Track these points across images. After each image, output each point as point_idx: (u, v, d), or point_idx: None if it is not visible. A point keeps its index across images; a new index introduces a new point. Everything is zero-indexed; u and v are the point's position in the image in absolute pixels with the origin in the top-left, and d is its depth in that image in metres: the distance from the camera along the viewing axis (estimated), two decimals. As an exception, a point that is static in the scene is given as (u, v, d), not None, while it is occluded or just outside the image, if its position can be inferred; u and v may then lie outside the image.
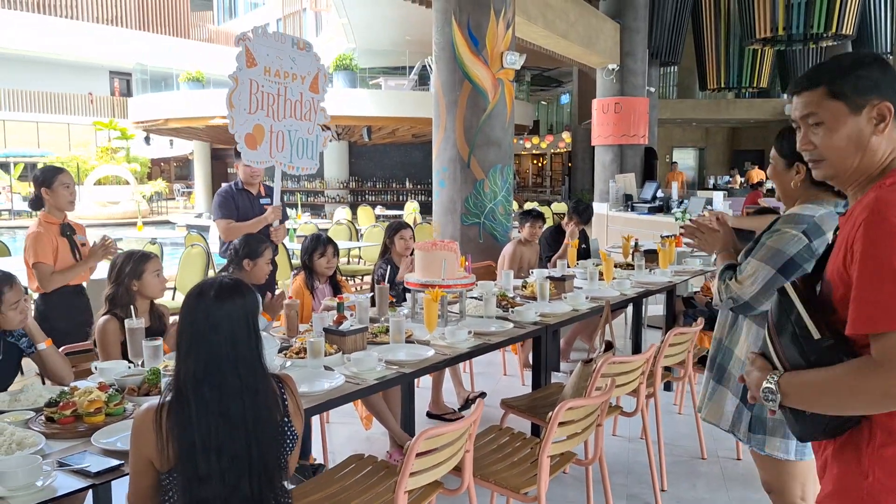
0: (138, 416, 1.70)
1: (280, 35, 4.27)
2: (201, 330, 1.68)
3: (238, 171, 4.45)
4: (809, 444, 2.12)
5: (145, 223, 12.15)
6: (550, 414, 2.44)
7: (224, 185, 4.66)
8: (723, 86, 18.63)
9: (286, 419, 1.81)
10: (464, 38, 6.25)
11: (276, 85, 4.20)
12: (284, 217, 4.62)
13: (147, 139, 23.97)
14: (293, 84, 4.29)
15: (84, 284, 3.98)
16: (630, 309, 5.52)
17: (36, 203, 3.76)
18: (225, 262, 4.22)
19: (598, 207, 10.79)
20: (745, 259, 2.18)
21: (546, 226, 5.75)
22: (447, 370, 4.27)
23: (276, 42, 4.19)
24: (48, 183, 3.70)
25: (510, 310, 3.69)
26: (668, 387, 4.75)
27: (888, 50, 15.33)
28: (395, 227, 4.49)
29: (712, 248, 2.39)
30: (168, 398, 1.69)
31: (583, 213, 5.58)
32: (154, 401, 1.72)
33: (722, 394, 2.30)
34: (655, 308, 6.44)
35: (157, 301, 3.16)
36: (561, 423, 2.49)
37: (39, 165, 23.01)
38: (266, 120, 4.17)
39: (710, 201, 9.92)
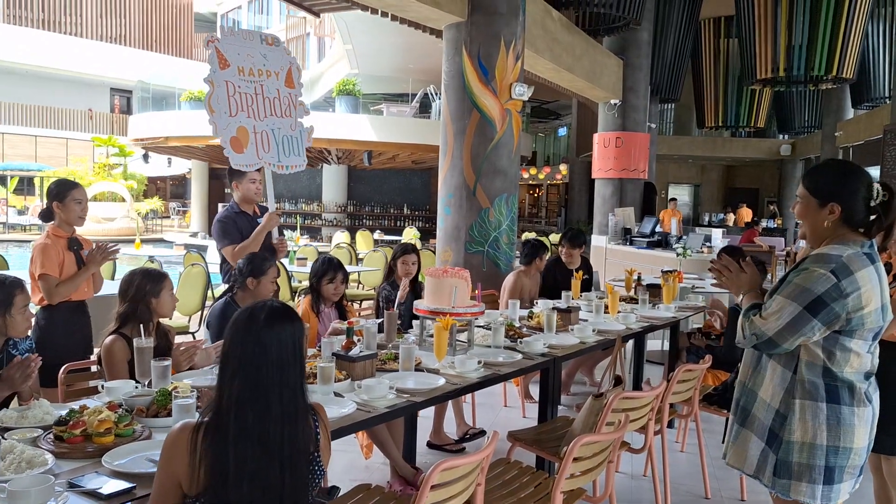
0: (172, 433, 1.66)
1: (248, 32, 4.19)
2: (250, 353, 1.66)
3: (235, 191, 4.31)
4: (837, 487, 2.10)
5: (141, 241, 12.10)
6: (565, 449, 2.41)
7: (221, 210, 4.54)
8: (720, 124, 18.87)
9: (316, 453, 1.77)
10: (474, 67, 6.30)
11: (252, 84, 4.10)
12: (279, 232, 4.52)
13: (145, 157, 23.96)
14: (268, 81, 4.19)
15: (86, 301, 3.94)
16: (631, 344, 5.51)
17: (47, 215, 3.74)
18: (223, 283, 4.17)
19: (597, 240, 10.81)
20: (771, 298, 2.17)
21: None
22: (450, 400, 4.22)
23: (244, 40, 4.10)
24: (61, 197, 3.69)
25: (518, 340, 3.66)
26: (670, 424, 4.71)
27: (886, 94, 15.55)
28: (402, 251, 4.46)
29: (739, 288, 2.37)
30: (206, 418, 1.65)
31: (572, 238, 5.63)
32: (187, 419, 1.70)
33: (746, 437, 2.26)
34: (653, 343, 6.42)
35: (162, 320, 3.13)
36: (574, 459, 2.45)
37: (35, 180, 22.94)
38: (248, 121, 4.08)
39: (709, 238, 9.96)
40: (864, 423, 2.13)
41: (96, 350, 3.19)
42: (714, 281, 2.46)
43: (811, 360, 2.12)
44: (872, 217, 2.13)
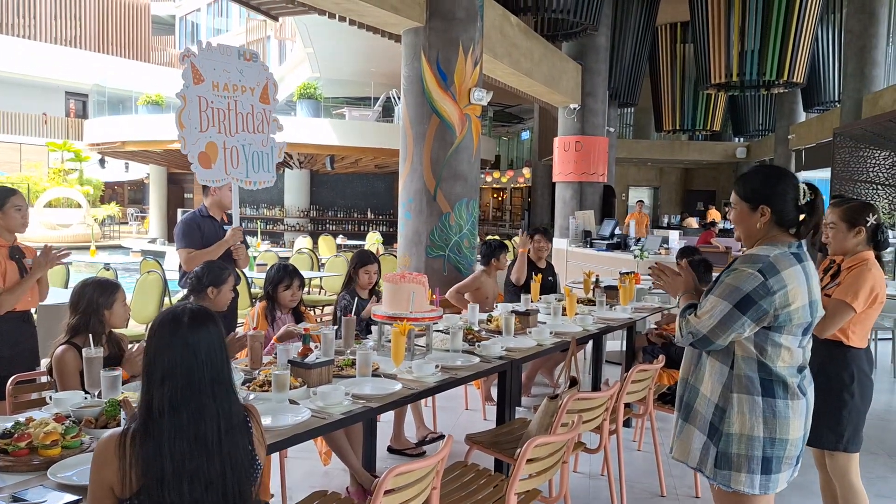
0: (101, 442, 1.67)
1: (225, 47, 4.20)
2: (179, 356, 1.69)
3: (210, 196, 4.33)
4: (774, 477, 2.18)
5: (97, 247, 11.85)
6: (519, 451, 2.44)
7: (188, 212, 4.56)
8: (677, 128, 19.22)
9: (251, 447, 1.80)
10: (433, 73, 6.33)
11: (225, 99, 4.13)
12: (244, 242, 4.53)
13: (102, 162, 23.50)
14: (243, 97, 4.23)
15: (33, 311, 3.85)
16: (590, 345, 5.58)
17: None
18: (181, 290, 4.12)
19: (558, 243, 10.92)
20: (705, 298, 2.25)
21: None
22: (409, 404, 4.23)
23: (221, 55, 4.13)
24: (3, 203, 3.60)
25: (476, 344, 3.69)
26: (626, 423, 4.79)
27: (836, 98, 16.00)
28: (362, 260, 4.38)
29: (676, 290, 2.47)
30: (133, 425, 1.66)
31: (546, 231, 5.77)
32: (117, 429, 1.69)
33: (689, 431, 2.32)
34: (612, 343, 6.51)
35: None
36: (528, 460, 2.48)
37: (-12, 185, 22.42)
38: (218, 136, 4.11)
39: (666, 240, 10.14)
40: (798, 416, 2.21)
41: (44, 361, 3.12)
42: (656, 282, 2.54)
43: (746, 356, 2.21)
44: (802, 217, 2.23)
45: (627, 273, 5.73)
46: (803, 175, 19.80)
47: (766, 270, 2.13)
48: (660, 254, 9.56)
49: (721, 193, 27.04)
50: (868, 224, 2.92)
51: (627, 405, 3.81)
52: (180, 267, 4.31)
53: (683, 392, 2.38)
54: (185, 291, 3.96)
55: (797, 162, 18.78)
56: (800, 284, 2.15)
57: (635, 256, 8.61)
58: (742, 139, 23.88)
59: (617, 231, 11.18)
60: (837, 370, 2.91)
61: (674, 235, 10.40)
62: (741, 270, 2.16)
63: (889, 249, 6.23)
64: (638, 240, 10.28)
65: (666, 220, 24.82)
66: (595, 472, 4.10)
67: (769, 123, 21.07)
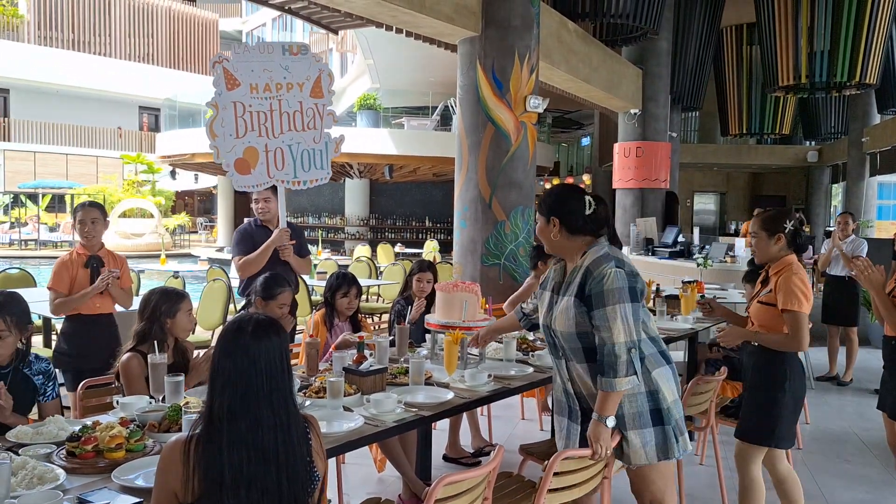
0: (166, 449, 1.71)
1: (267, 45, 4.01)
2: (240, 364, 1.72)
3: (255, 205, 4.30)
4: (686, 435, 2.60)
5: (168, 256, 12.29)
6: (546, 463, 2.40)
7: (244, 221, 4.62)
8: (744, 132, 18.65)
9: (310, 458, 1.82)
10: (488, 81, 6.34)
11: (267, 100, 3.96)
12: (303, 249, 4.46)
13: (173, 173, 24.38)
14: (289, 94, 4.02)
15: (114, 314, 4.06)
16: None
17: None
18: (238, 296, 4.24)
19: (619, 251, 10.73)
20: (595, 318, 2.43)
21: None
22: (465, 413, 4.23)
23: (261, 55, 3.96)
24: (74, 216, 3.89)
25: (530, 353, 3.66)
26: (689, 436, 4.66)
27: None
28: (418, 268, 4.45)
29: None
30: (198, 430, 1.70)
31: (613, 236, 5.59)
32: (182, 434, 1.74)
33: (641, 434, 2.52)
34: (675, 354, 6.35)
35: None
36: (561, 473, 2.43)
37: (67, 197, 23.44)
38: (259, 140, 3.96)
39: (732, 247, 9.85)
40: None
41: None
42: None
43: (643, 338, 2.51)
44: (592, 224, 2.53)
45: (690, 282, 5.57)
46: (879, 179, 18.98)
47: (617, 261, 2.45)
48: (725, 262, 9.28)
49: (791, 198, 26.11)
50: (786, 230, 3.13)
51: (689, 418, 3.71)
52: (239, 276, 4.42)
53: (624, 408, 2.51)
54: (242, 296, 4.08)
55: (871, 165, 17.98)
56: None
57: (699, 265, 8.39)
58: (813, 142, 22.99)
59: (680, 238, 10.92)
60: (773, 369, 3.10)
61: (740, 243, 10.07)
62: (604, 274, 2.41)
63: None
64: (702, 247, 10.01)
65: (733, 227, 24.12)
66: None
67: (842, 126, 20.22)
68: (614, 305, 2.38)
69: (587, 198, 2.52)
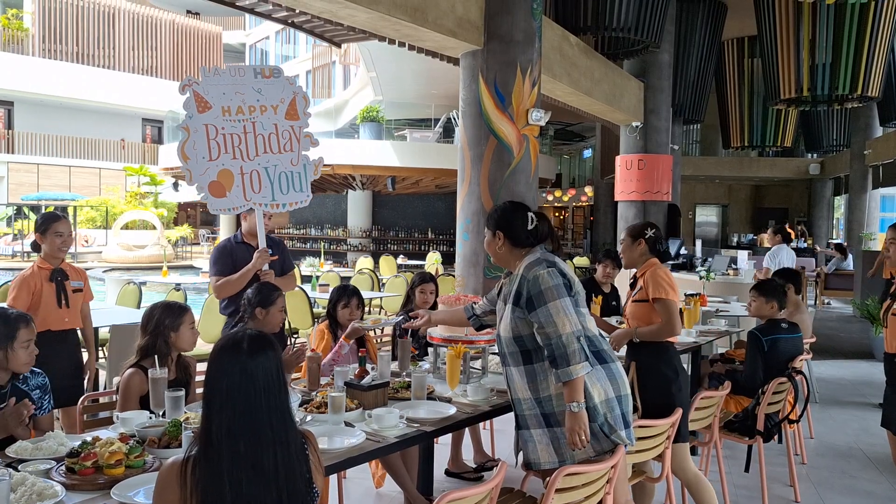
0: (163, 471, 1.69)
1: (237, 68, 3.93)
2: (237, 383, 1.69)
3: (244, 221, 4.17)
4: (630, 429, 2.67)
5: (170, 268, 12.28)
6: (547, 480, 2.38)
7: (223, 239, 4.50)
8: (746, 144, 18.66)
9: (309, 475, 1.80)
10: (490, 94, 6.35)
11: (240, 123, 3.86)
12: (287, 264, 4.32)
13: (175, 185, 24.45)
14: (263, 117, 3.92)
15: (78, 331, 4.05)
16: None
17: (36, 246, 3.88)
18: (220, 312, 4.15)
19: (621, 263, 10.72)
20: (534, 319, 2.56)
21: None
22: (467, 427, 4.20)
23: (232, 78, 3.88)
24: (42, 229, 3.81)
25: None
26: (692, 451, 4.63)
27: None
28: (420, 280, 4.46)
29: None
30: (193, 452, 1.67)
31: (616, 257, 5.55)
32: (178, 454, 1.71)
33: (553, 434, 2.64)
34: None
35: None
36: (563, 489, 2.41)
37: (70, 209, 23.49)
38: (233, 163, 3.86)
39: (734, 260, 9.84)
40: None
41: (115, 380, 3.24)
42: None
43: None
44: (533, 238, 2.74)
45: (693, 295, 5.56)
46: (881, 191, 18.97)
47: (548, 263, 2.64)
48: (727, 274, 9.27)
49: (794, 211, 26.10)
50: (647, 237, 3.41)
51: (693, 433, 3.68)
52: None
53: (534, 408, 2.63)
54: (229, 314, 4.02)
55: (874, 178, 17.97)
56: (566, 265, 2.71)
57: (701, 277, 8.38)
58: (815, 155, 23.01)
59: (683, 251, 10.91)
60: (663, 367, 3.29)
61: (743, 255, 10.06)
62: (537, 276, 2.58)
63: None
64: (705, 259, 10.00)
65: (735, 239, 24.11)
66: (659, 501, 3.97)
67: (844, 138, 20.24)
68: (554, 301, 2.55)
69: (530, 214, 2.76)
